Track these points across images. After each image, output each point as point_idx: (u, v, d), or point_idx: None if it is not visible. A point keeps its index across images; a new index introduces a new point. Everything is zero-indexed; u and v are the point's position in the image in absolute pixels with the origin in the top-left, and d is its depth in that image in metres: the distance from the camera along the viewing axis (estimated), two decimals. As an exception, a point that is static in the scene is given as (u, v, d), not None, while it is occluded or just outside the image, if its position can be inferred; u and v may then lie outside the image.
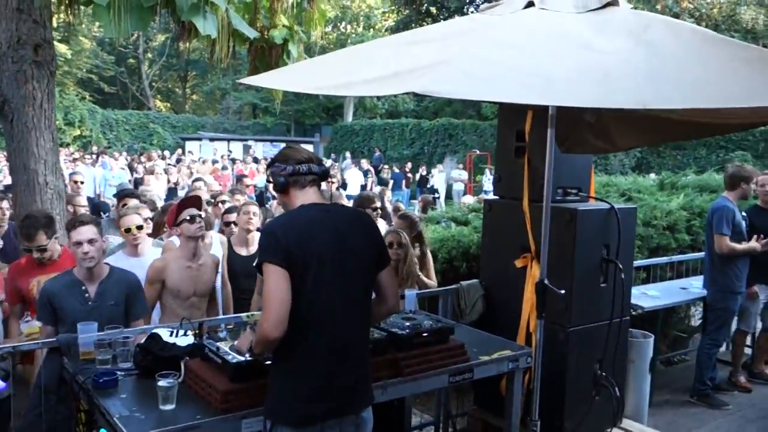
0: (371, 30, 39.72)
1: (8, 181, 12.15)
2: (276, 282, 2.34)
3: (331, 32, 41.06)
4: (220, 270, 4.67)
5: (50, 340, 3.29)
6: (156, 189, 11.47)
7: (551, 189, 3.54)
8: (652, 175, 10.74)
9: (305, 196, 2.57)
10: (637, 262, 5.55)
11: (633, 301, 4.87)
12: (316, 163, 2.63)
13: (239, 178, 13.19)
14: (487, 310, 4.52)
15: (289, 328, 2.33)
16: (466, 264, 5.39)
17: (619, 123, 3.60)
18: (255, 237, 5.05)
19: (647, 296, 5.50)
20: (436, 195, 19.63)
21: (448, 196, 21.25)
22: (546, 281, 3.47)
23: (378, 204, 5.60)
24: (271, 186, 2.81)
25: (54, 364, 3.25)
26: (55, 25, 4.72)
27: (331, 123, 36.50)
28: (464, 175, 22.17)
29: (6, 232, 5.29)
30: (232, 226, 5.40)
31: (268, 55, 6.06)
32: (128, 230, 4.55)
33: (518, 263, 4.21)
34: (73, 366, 3.13)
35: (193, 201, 4.20)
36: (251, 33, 5.13)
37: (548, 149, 3.49)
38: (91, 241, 3.56)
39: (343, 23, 42.18)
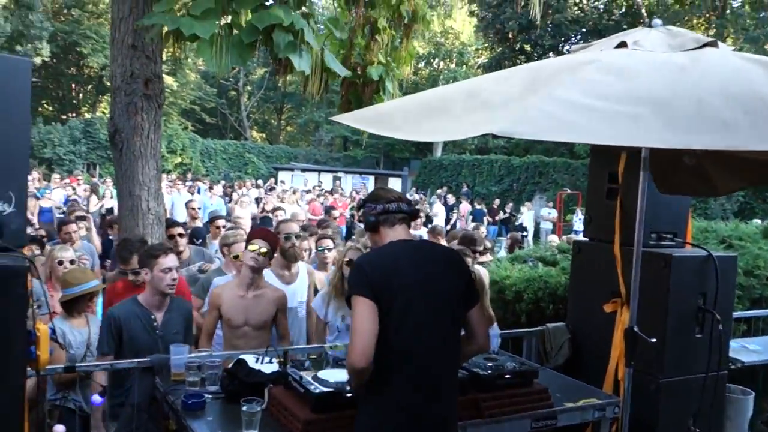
0: (464, 67, 39.92)
1: (109, 204, 12.96)
2: (362, 313, 2.39)
3: (424, 68, 41.57)
4: (304, 299, 4.76)
5: (145, 359, 3.44)
6: (243, 216, 11.85)
7: (643, 233, 3.43)
8: (756, 221, 10.16)
9: (394, 234, 2.63)
10: (736, 314, 5.23)
11: (732, 354, 4.59)
12: (405, 203, 2.69)
13: (328, 210, 13.48)
14: (573, 355, 4.38)
15: (375, 363, 2.36)
16: (553, 306, 5.25)
17: (721, 165, 3.45)
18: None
19: (747, 350, 5.17)
20: (524, 233, 19.29)
21: (536, 234, 20.84)
22: (636, 328, 3.34)
23: (482, 246, 5.57)
24: (362, 225, 2.90)
25: (146, 383, 3.40)
26: (164, 58, 5.02)
27: (420, 157, 36.75)
28: (554, 213, 21.70)
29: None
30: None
31: (361, 90, 6.22)
32: (236, 257, 4.73)
33: (607, 308, 4.07)
34: (165, 386, 3.26)
35: (265, 234, 4.21)
36: (342, 71, 5.29)
37: (640, 192, 3.38)
38: (177, 269, 3.73)
39: (436, 60, 42.63)
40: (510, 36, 32.96)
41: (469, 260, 5.04)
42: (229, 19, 4.58)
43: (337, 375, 2.98)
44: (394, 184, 30.04)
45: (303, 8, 4.81)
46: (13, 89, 2.39)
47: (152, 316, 3.73)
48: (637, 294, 3.39)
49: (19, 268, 2.29)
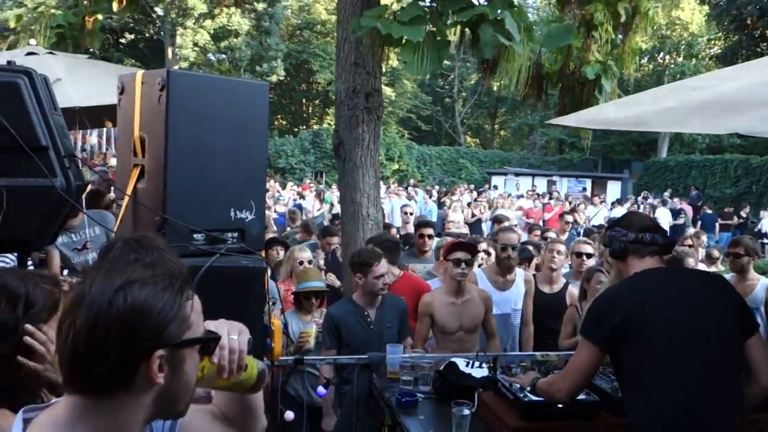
0: (693, 60, 36.76)
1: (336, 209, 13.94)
2: (583, 358, 2.35)
3: (648, 64, 38.99)
4: (519, 307, 4.74)
5: (363, 356, 3.68)
6: (456, 220, 12.00)
7: None
8: None
9: (642, 266, 2.43)
10: None
11: None
12: (660, 234, 2.48)
13: (562, 215, 13.16)
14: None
15: (640, 399, 2.28)
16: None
17: None
18: (559, 275, 5.05)
19: None
20: (765, 240, 17.25)
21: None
22: None
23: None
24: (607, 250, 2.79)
25: (365, 379, 3.63)
26: (384, 70, 5.32)
27: (642, 159, 34.53)
28: (800, 219, 19.13)
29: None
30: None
31: (578, 92, 6.03)
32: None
33: None
34: (381, 383, 3.46)
35: (460, 244, 4.28)
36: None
37: None
38: (386, 274, 3.97)
39: (661, 54, 39.75)
40: (748, 22, 29.64)
41: None
42: (433, 27, 4.74)
43: (548, 385, 2.94)
44: (614, 187, 28.52)
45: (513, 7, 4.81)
46: (254, 110, 2.70)
47: (365, 313, 3.99)
48: None
49: (258, 269, 2.58)
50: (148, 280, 1.15)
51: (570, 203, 18.45)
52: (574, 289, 5.01)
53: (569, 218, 11.36)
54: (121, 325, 1.10)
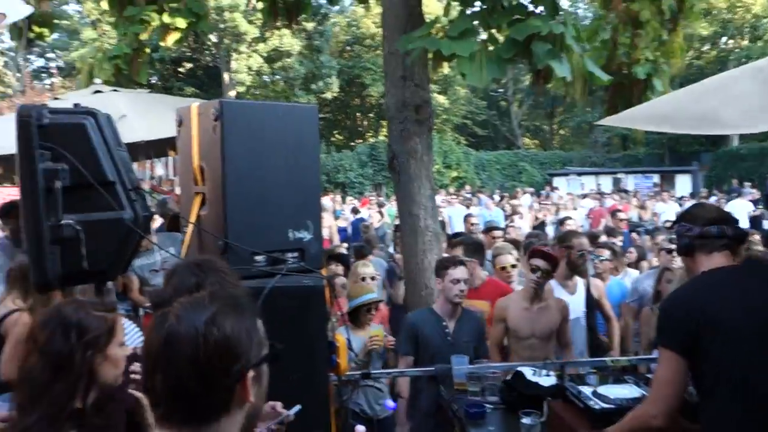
0: (758, 42, 35.28)
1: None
2: (666, 370, 2.22)
3: (710, 50, 37.68)
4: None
5: (429, 369, 3.69)
6: (521, 226, 11.84)
7: None
8: None
9: (710, 262, 2.31)
10: None
11: None
12: (729, 225, 2.36)
13: (613, 213, 12.87)
14: None
15: (710, 406, 2.19)
16: None
17: None
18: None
19: None
20: None
21: None
22: None
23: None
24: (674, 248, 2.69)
25: (432, 391, 3.64)
26: (435, 78, 5.34)
27: (712, 149, 33.30)
28: None
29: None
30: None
31: (628, 91, 5.91)
32: (503, 268, 4.86)
33: None
34: (448, 394, 3.46)
35: (543, 253, 4.20)
36: (603, 76, 5.09)
37: None
38: (465, 281, 3.92)
39: (724, 39, 38.35)
40: (817, -3, 28.34)
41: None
42: (485, 35, 4.73)
43: (619, 391, 2.88)
44: (683, 181, 27.58)
45: (558, 16, 4.77)
46: (305, 132, 2.77)
47: (444, 323, 3.98)
48: None
49: (318, 287, 2.64)
50: (228, 309, 1.23)
51: (638, 200, 17.91)
52: (597, 282, 5.07)
53: (622, 215, 11.06)
54: (222, 355, 1.18)
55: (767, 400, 2.14)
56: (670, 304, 2.37)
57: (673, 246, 5.00)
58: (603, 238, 7.04)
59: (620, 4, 5.74)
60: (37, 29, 6.85)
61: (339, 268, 5.71)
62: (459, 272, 3.92)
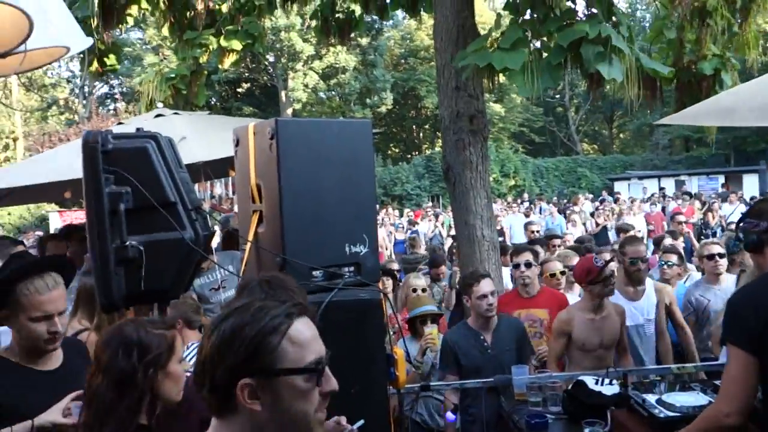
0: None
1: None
2: (737, 368, 2.16)
3: (775, 46, 36.26)
4: (652, 317, 4.54)
5: (489, 380, 3.67)
6: (572, 233, 11.65)
7: None
8: None
9: None
10: None
11: None
12: None
13: (673, 216, 12.51)
14: None
15: None
16: None
17: None
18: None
19: None
20: None
21: None
22: None
23: None
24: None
25: (492, 401, 3.62)
26: (489, 87, 5.32)
27: (780, 147, 31.98)
28: None
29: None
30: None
31: (696, 88, 5.74)
32: (553, 275, 4.82)
33: None
34: (509, 405, 3.43)
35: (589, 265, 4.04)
36: (663, 69, 4.97)
37: None
38: (492, 294, 3.89)
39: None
40: None
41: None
42: (538, 43, 4.70)
43: (685, 399, 2.81)
44: (750, 181, 26.51)
45: (613, 18, 4.69)
46: (359, 147, 2.80)
47: (481, 337, 3.95)
48: None
49: (375, 300, 2.67)
50: (234, 314, 1.30)
51: (704, 203, 17.33)
52: (664, 286, 4.85)
53: (681, 218, 10.70)
54: (213, 354, 1.27)
55: None
56: (738, 300, 2.31)
57: (716, 251, 4.82)
58: (668, 241, 6.87)
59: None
60: (108, 60, 7.16)
61: (389, 283, 5.71)
62: (485, 286, 3.88)
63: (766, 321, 2.11)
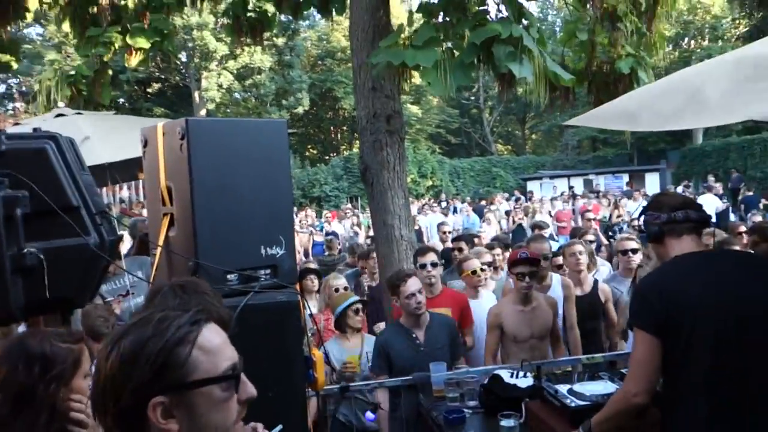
0: (719, 42, 36.03)
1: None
2: (643, 351, 2.26)
3: (673, 51, 38.38)
4: (560, 312, 4.70)
5: (408, 378, 3.69)
6: (485, 231, 12.01)
7: None
8: None
9: (681, 246, 2.40)
10: None
11: None
12: (693, 209, 2.45)
13: (582, 213, 13.03)
14: None
15: (677, 397, 2.23)
16: None
17: None
18: (586, 276, 5.01)
19: None
20: (817, 217, 16.64)
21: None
22: None
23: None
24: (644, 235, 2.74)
25: (412, 399, 3.64)
26: (407, 89, 5.37)
27: (678, 147, 33.87)
28: None
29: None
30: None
31: (613, 87, 5.95)
32: (474, 272, 4.90)
33: None
34: (427, 402, 3.46)
35: (522, 260, 4.15)
36: (566, 76, 5.15)
37: None
38: (420, 291, 3.92)
39: (686, 39, 39.10)
40: (771, -2, 29.05)
41: None
42: (450, 43, 4.77)
43: (594, 387, 2.91)
44: (652, 179, 28.01)
45: (524, 21, 4.83)
46: (275, 147, 2.75)
47: (414, 335, 3.96)
48: None
49: (293, 302, 2.62)
50: (132, 329, 1.17)
51: (609, 200, 18.13)
52: (605, 286, 5.03)
53: (590, 215, 11.22)
54: (114, 376, 1.13)
55: (735, 381, 2.19)
56: (644, 286, 2.42)
57: (630, 246, 5.06)
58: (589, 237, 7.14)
59: (596, 1, 5.74)
60: (4, 57, 6.72)
61: (316, 281, 5.74)
62: (411, 285, 3.91)
63: (669, 305, 2.22)
